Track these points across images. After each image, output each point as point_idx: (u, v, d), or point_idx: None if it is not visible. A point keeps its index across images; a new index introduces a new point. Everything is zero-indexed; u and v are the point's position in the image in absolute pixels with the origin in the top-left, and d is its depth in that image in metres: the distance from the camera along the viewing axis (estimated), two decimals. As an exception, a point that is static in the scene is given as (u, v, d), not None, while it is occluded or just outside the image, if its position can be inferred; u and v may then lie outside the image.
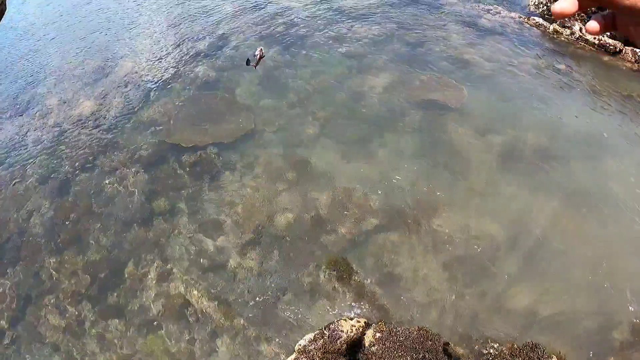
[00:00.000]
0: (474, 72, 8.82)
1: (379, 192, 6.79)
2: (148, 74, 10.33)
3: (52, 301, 6.82)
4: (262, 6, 11.58)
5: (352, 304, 5.83)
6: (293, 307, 5.91)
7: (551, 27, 10.51)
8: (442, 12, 10.79)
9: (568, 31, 10.32)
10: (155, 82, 10.06)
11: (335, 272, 6.07)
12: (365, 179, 7.00)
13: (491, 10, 11.08)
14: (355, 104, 8.07)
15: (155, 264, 6.69)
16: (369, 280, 5.96)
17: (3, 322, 6.92)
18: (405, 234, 6.34)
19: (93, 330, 6.37)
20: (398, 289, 5.91)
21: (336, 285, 5.98)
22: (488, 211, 6.50)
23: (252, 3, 11.90)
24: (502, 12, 10.99)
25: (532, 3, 11.38)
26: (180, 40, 11.38)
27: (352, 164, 7.22)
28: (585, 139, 7.68)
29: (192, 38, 11.25)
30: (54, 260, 7.23)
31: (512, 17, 10.78)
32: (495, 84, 8.69)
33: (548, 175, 7.11)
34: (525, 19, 10.78)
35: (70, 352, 6.29)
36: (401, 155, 7.22)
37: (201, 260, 6.61)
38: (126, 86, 10.12)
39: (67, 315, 6.63)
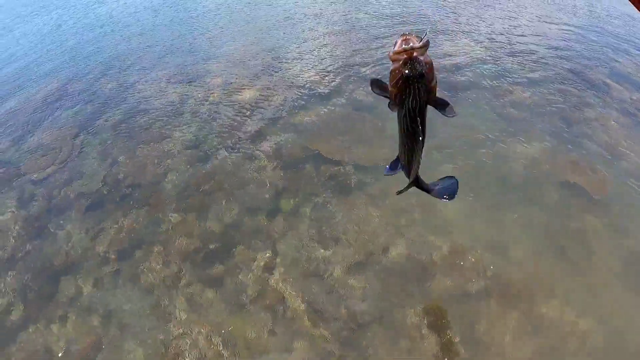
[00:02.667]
0: (625, 166, 8.49)
1: (495, 258, 6.80)
2: (310, 82, 11.27)
3: (160, 251, 7.63)
4: (436, 46, 12.18)
5: (433, 355, 5.94)
6: (377, 338, 6.07)
7: None
8: (607, 96, 10.60)
9: None
10: (314, 91, 10.93)
11: (427, 320, 6.22)
12: (486, 241, 7.08)
13: (659, 104, 10.69)
14: (496, 165, 8.15)
15: (264, 254, 7.23)
16: (456, 339, 6.02)
17: (111, 254, 7.88)
18: (506, 307, 6.29)
19: (186, 290, 7.00)
20: (480, 357, 5.94)
21: (424, 332, 6.11)
22: (596, 313, 6.23)
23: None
24: (671, 109, 10.57)
25: None
26: (348, 60, 12.19)
27: (477, 223, 7.32)
28: None
29: (360, 62, 12.04)
30: (175, 217, 8.10)
31: (682, 117, 10.35)
32: (644, 183, 8.36)
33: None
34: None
35: (159, 300, 6.94)
36: (527, 229, 7.15)
37: (307, 265, 7.03)
38: (287, 87, 11.12)
39: (168, 268, 7.38)
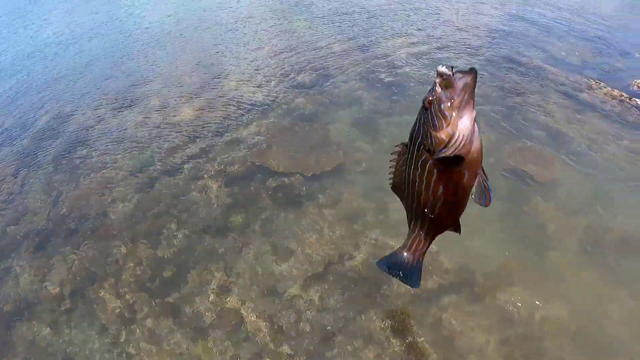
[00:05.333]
0: (569, 148, 8.88)
1: (452, 252, 6.96)
2: (249, 97, 11.38)
3: (113, 284, 7.56)
4: (368, 49, 12.40)
5: (401, 357, 6.10)
6: (342, 348, 6.21)
7: (653, 110, 10.37)
8: (545, 80, 10.98)
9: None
10: (255, 105, 11.07)
11: (391, 323, 6.35)
12: (441, 236, 7.26)
13: (593, 85, 11.16)
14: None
15: (218, 275, 7.30)
16: (422, 339, 6.17)
17: (64, 291, 7.76)
18: (470, 301, 6.48)
19: (144, 322, 6.97)
20: (450, 355, 6.05)
21: (389, 336, 6.24)
22: (559, 295, 6.47)
23: (358, 45, 12.77)
24: (603, 87, 11.00)
25: (635, 83, 11.34)
26: (285, 69, 12.47)
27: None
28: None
29: (296, 70, 12.26)
30: (125, 247, 8.04)
31: (613, 95, 10.73)
32: (589, 162, 8.66)
33: (630, 268, 6.89)
34: (627, 98, 10.69)
35: (117, 336, 6.89)
36: (481, 221, 7.23)
37: (264, 282, 7.13)
38: (227, 104, 11.17)
39: (123, 301, 7.32)
